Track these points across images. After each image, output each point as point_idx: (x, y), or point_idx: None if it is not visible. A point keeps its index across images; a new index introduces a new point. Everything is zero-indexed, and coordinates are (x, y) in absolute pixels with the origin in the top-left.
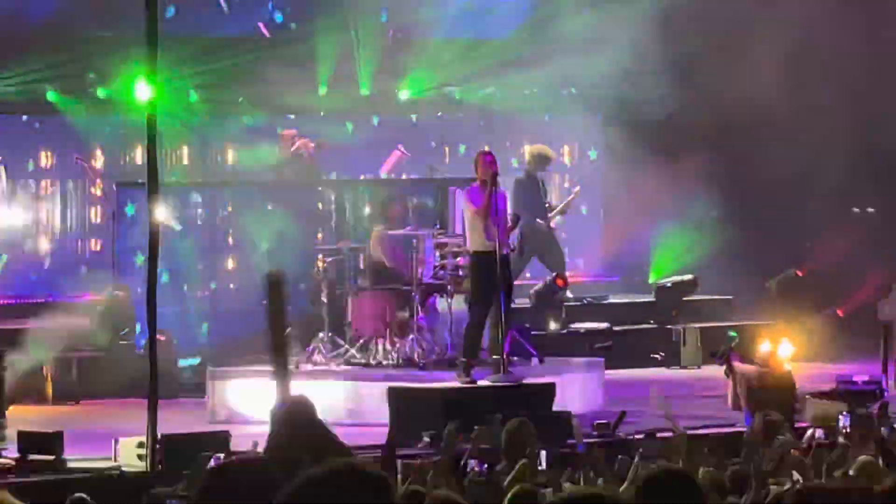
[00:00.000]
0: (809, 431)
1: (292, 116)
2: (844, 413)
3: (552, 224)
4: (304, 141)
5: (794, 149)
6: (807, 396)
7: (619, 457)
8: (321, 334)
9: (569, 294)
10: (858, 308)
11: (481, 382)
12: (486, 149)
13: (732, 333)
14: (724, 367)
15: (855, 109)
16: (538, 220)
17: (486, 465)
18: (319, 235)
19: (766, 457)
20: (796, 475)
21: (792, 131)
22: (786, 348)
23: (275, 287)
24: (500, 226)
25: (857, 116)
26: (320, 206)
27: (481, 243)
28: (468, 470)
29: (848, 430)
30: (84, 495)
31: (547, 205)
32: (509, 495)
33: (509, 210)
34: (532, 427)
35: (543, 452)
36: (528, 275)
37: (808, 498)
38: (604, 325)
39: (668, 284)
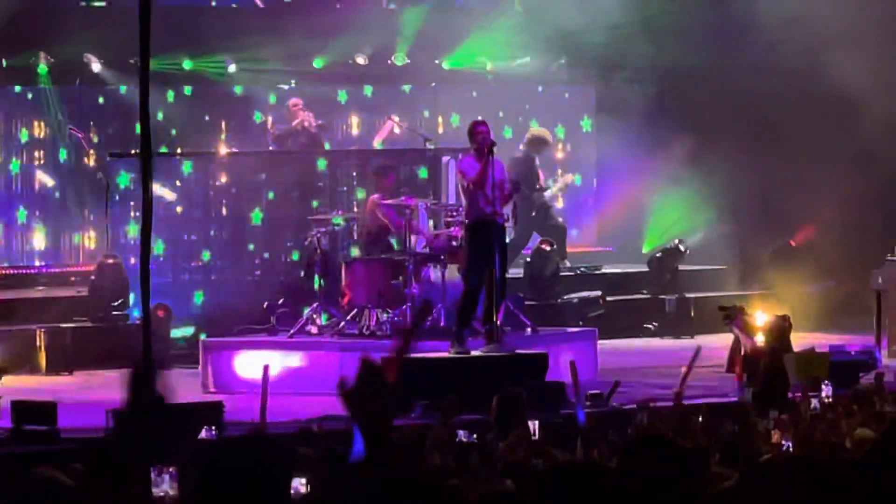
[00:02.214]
0: (803, 403)
1: (285, 87)
2: (826, 382)
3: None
4: (308, 115)
5: (788, 118)
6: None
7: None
8: (314, 304)
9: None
10: (810, 239)
11: (474, 352)
12: (480, 118)
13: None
14: (728, 325)
15: (854, 75)
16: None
17: (475, 436)
18: (314, 205)
19: (759, 426)
20: (785, 442)
21: (788, 99)
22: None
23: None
24: (497, 196)
25: (857, 84)
26: (314, 176)
27: (477, 213)
28: (458, 441)
29: (830, 398)
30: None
31: (538, 187)
32: (501, 465)
33: (508, 179)
34: (524, 397)
35: (536, 423)
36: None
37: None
38: (596, 292)
39: (658, 254)
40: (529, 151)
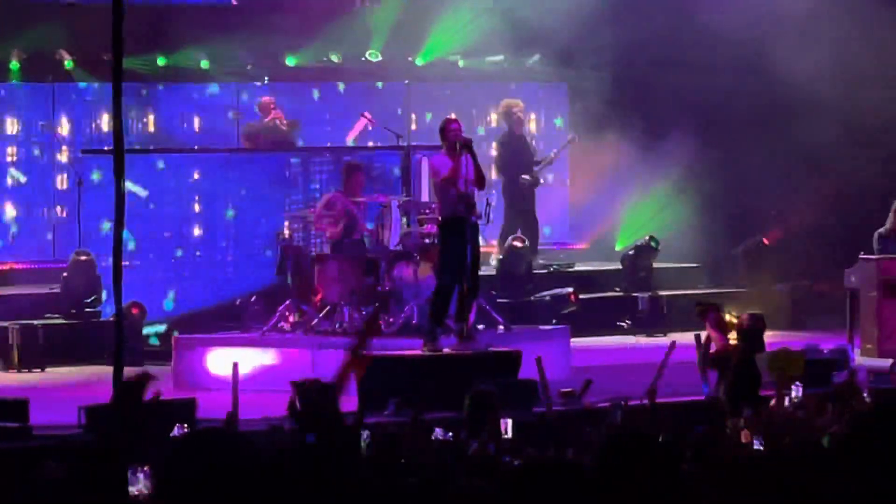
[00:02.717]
0: (773, 401)
1: (258, 84)
2: (797, 383)
3: (540, 179)
4: (278, 113)
5: (762, 113)
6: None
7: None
8: (286, 301)
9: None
10: (783, 237)
11: (447, 350)
12: (452, 116)
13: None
14: (701, 321)
15: (832, 73)
16: (522, 176)
17: (450, 434)
18: (286, 202)
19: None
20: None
21: (761, 94)
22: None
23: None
24: (470, 193)
25: (833, 82)
26: (287, 172)
27: (449, 211)
28: (433, 438)
29: (799, 398)
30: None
31: (537, 161)
32: (470, 461)
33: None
34: (496, 394)
35: (509, 421)
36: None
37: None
38: (567, 289)
39: (631, 252)
40: (510, 128)
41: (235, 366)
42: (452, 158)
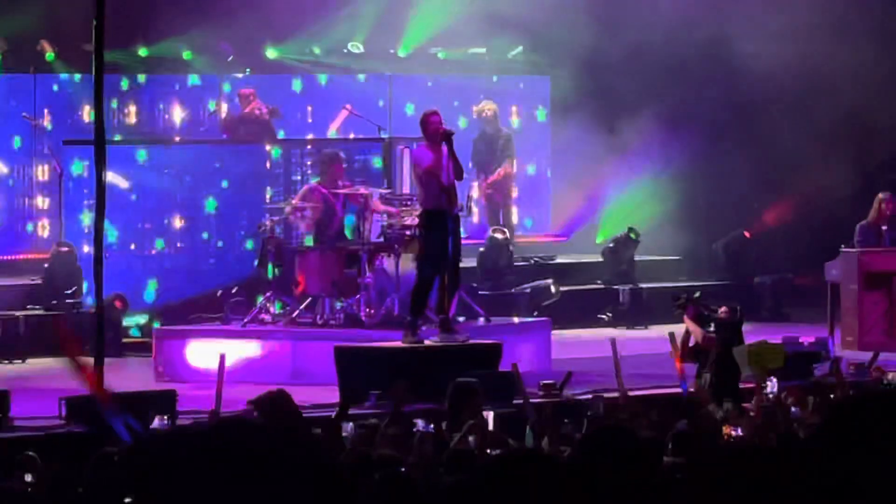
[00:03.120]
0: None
1: (240, 75)
2: (772, 378)
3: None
4: (259, 103)
5: (741, 108)
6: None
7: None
8: (268, 293)
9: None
10: (764, 230)
11: (427, 342)
12: (433, 108)
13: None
14: (680, 315)
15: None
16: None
17: (432, 425)
18: (268, 194)
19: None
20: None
21: (741, 89)
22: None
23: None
24: (452, 185)
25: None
26: (268, 164)
27: (431, 203)
28: (415, 430)
29: (774, 393)
30: (33, 453)
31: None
32: (447, 453)
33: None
34: (478, 387)
35: (491, 413)
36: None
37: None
38: (547, 280)
39: (611, 244)
40: (485, 128)
41: (222, 358)
42: (433, 150)
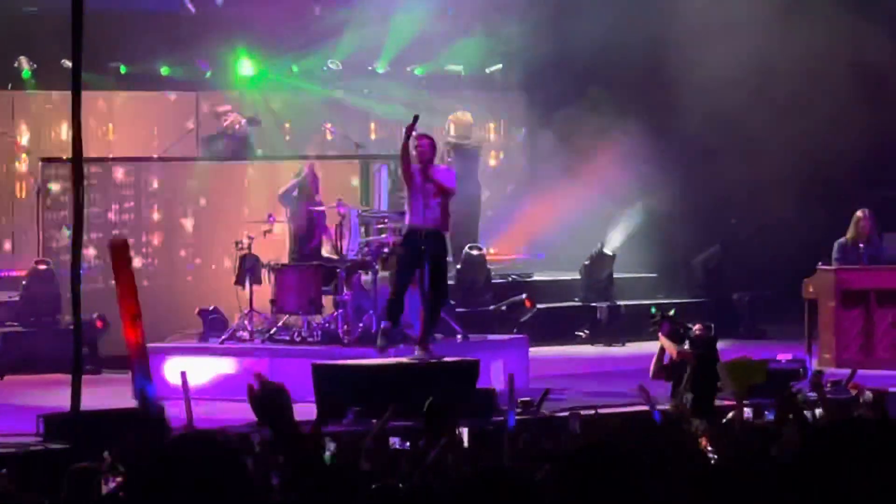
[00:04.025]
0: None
1: (218, 92)
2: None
3: None
4: (236, 116)
5: (718, 123)
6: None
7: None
8: (245, 310)
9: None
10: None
11: (404, 360)
12: (423, 131)
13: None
14: (654, 330)
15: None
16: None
17: (408, 443)
18: (246, 211)
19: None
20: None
21: (716, 105)
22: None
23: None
24: (432, 205)
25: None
26: (246, 182)
27: (409, 221)
28: (390, 447)
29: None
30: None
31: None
32: (421, 470)
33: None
34: (454, 404)
35: (465, 430)
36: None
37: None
38: (521, 295)
39: (587, 262)
40: (469, 143)
41: (183, 375)
42: (420, 172)
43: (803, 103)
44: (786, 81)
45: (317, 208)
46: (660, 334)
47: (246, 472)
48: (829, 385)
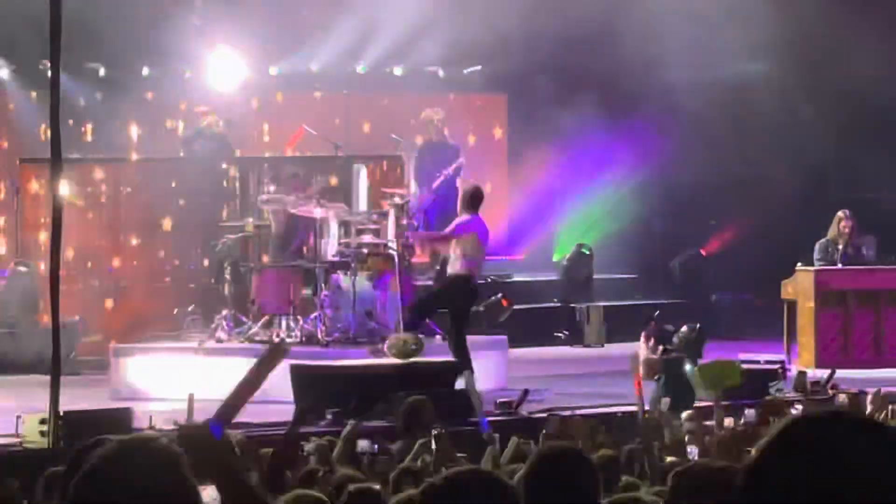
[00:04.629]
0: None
1: (197, 94)
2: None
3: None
4: (215, 119)
5: (699, 125)
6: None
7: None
8: (224, 311)
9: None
10: (720, 248)
11: (383, 361)
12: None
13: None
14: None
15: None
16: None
17: (376, 445)
18: (224, 212)
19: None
20: (693, 452)
21: (697, 108)
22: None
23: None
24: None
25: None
26: (225, 182)
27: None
28: (358, 450)
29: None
30: None
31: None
32: (394, 473)
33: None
34: (431, 405)
35: (443, 431)
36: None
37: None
38: (497, 295)
39: (566, 263)
40: (431, 137)
41: (190, 397)
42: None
43: (783, 104)
44: (765, 82)
45: (296, 211)
46: (643, 334)
47: (186, 477)
48: (808, 386)
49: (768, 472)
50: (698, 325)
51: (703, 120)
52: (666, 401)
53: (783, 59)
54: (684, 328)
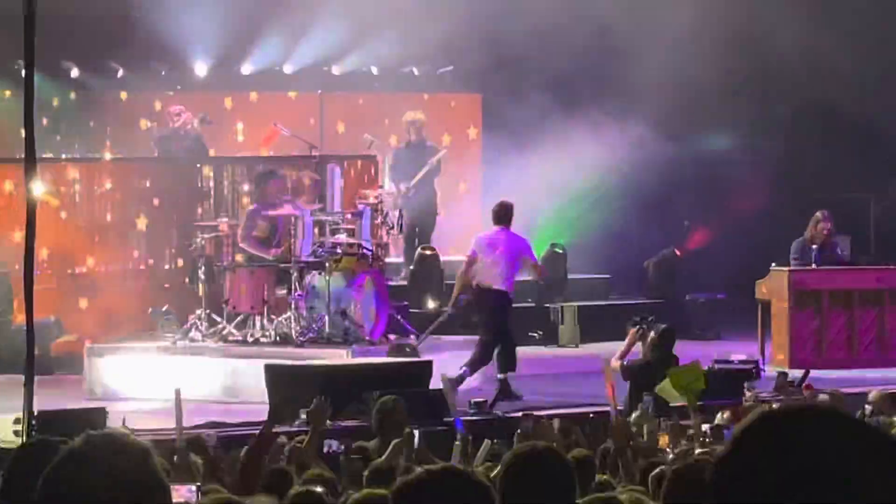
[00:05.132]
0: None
1: (171, 93)
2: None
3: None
4: (189, 117)
5: (671, 123)
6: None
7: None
8: (198, 311)
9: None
10: (694, 250)
11: (356, 360)
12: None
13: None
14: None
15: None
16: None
17: (342, 447)
18: (199, 211)
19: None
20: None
21: (669, 104)
22: None
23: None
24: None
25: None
26: (200, 182)
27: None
28: (326, 450)
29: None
30: None
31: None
32: (367, 472)
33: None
34: (404, 405)
35: (417, 431)
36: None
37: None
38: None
39: (540, 262)
40: (410, 138)
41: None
42: None
43: (761, 104)
44: (744, 82)
45: (270, 213)
46: (631, 330)
47: (156, 473)
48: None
49: (735, 467)
50: (663, 327)
51: (679, 119)
52: (649, 400)
53: (752, 57)
54: (657, 329)
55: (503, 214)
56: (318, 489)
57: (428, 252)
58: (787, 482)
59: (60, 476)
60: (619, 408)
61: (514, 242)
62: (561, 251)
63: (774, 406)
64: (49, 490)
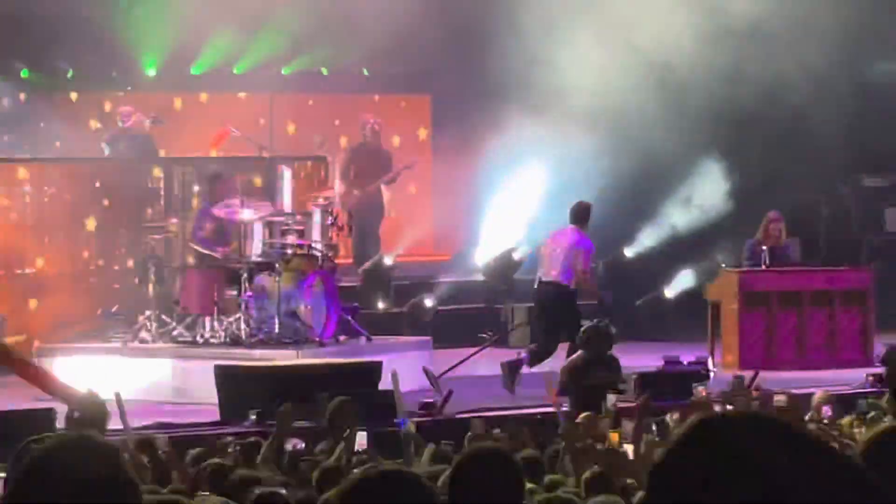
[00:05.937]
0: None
1: (122, 94)
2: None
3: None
4: (140, 117)
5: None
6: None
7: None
8: (148, 312)
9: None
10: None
11: (307, 361)
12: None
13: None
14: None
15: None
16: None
17: (304, 445)
18: (148, 212)
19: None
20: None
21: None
22: None
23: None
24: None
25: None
26: (150, 183)
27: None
28: (286, 449)
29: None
30: None
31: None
32: (316, 473)
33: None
34: (354, 406)
35: (364, 432)
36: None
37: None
38: (420, 296)
39: (492, 263)
40: (366, 139)
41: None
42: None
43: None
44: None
45: (219, 213)
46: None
47: (126, 472)
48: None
49: (671, 472)
50: (591, 325)
51: (629, 119)
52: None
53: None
54: (588, 328)
55: (576, 213)
56: (282, 491)
57: (379, 253)
58: (718, 489)
59: (31, 477)
60: (563, 408)
61: (575, 241)
62: (518, 258)
63: (717, 409)
64: (21, 490)
